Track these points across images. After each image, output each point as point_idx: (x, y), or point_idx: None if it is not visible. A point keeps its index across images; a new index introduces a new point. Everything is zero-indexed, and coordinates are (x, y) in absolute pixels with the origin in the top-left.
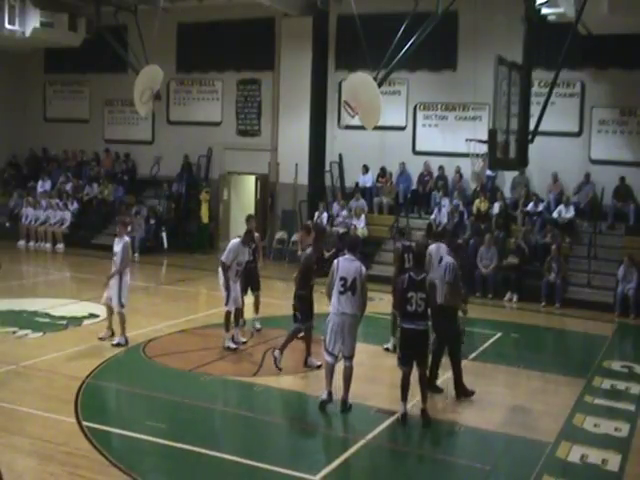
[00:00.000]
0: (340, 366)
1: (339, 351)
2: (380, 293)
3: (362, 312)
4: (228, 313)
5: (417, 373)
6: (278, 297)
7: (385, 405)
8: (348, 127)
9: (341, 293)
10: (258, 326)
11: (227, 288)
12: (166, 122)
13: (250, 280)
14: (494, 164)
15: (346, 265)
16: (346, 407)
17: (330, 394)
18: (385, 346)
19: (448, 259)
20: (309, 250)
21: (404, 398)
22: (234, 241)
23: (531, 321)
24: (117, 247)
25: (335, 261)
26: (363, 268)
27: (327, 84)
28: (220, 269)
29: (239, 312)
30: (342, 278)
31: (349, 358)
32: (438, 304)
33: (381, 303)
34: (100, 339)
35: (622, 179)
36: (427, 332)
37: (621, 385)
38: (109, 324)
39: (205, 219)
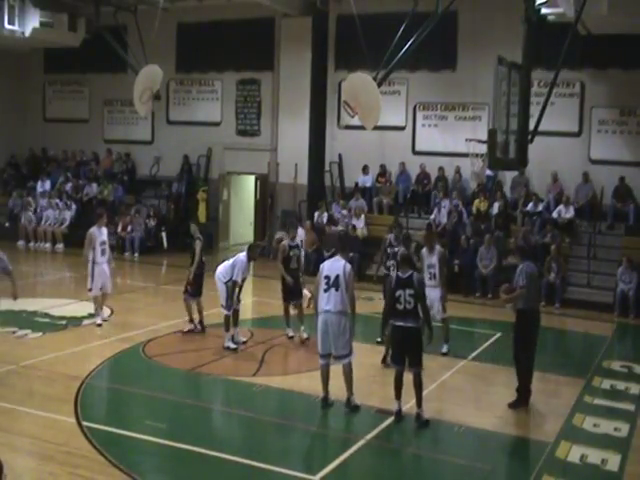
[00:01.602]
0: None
1: (329, 352)
2: (379, 293)
3: (352, 309)
4: (227, 317)
5: (411, 374)
6: (277, 297)
7: (385, 405)
8: (348, 127)
9: (325, 291)
10: (305, 335)
11: (230, 299)
12: (166, 122)
13: (293, 290)
14: (494, 164)
15: (329, 265)
16: (350, 406)
17: (325, 399)
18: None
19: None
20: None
21: (397, 396)
22: (242, 259)
23: None
24: (105, 237)
25: (322, 264)
26: (348, 267)
27: (327, 84)
28: (221, 284)
29: (237, 313)
30: (326, 277)
31: (340, 357)
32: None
33: (380, 303)
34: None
35: (622, 179)
36: (418, 330)
37: (621, 385)
38: (101, 308)
39: (203, 219)
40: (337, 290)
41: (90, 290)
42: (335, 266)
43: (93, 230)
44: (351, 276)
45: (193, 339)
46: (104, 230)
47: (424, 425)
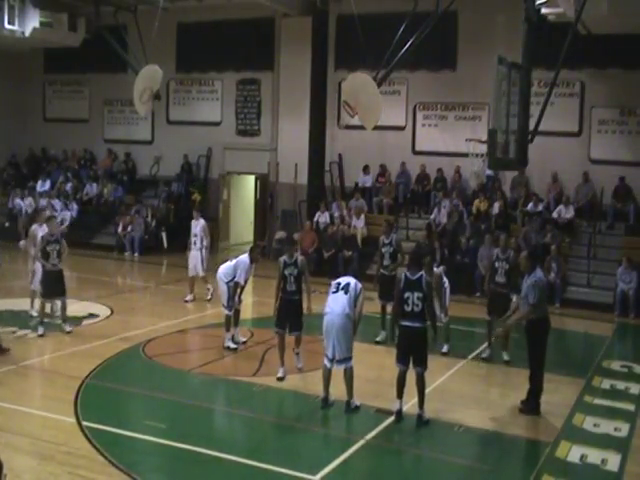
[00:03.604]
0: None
1: (334, 355)
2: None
3: (356, 324)
4: (228, 317)
5: (414, 374)
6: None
7: (385, 405)
8: (348, 127)
9: (333, 293)
10: (299, 365)
11: (231, 300)
12: (166, 122)
13: (290, 317)
14: (494, 164)
15: (343, 277)
16: (350, 409)
17: (325, 400)
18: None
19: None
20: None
21: (399, 395)
22: (244, 260)
23: None
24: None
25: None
26: (360, 284)
27: (327, 84)
28: (223, 284)
29: (238, 313)
30: (337, 283)
31: (341, 361)
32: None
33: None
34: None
35: (622, 179)
36: (425, 331)
37: (621, 385)
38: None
39: None
40: (346, 294)
41: (32, 285)
42: (348, 278)
43: (35, 227)
44: (362, 292)
45: (193, 339)
46: (45, 227)
47: (424, 425)
